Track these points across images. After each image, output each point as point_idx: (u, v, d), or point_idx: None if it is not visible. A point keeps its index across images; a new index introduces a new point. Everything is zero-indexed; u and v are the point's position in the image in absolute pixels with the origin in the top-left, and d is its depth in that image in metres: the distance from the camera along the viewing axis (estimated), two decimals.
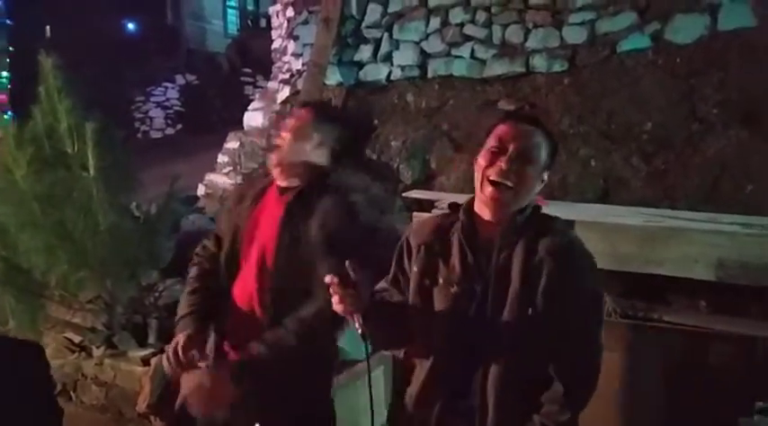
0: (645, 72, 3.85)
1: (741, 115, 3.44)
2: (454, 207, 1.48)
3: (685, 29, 3.75)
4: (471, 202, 1.45)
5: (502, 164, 1.34)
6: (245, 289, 1.71)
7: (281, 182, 1.75)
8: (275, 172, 1.76)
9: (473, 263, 1.38)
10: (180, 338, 1.63)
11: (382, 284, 1.58)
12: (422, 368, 1.44)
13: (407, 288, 1.48)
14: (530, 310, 1.32)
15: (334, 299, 1.35)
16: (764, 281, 2.52)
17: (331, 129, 1.76)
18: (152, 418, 3.21)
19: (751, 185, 3.24)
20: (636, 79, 3.87)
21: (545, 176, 1.42)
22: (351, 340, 3.24)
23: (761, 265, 2.47)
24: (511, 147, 1.35)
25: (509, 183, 1.34)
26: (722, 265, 2.53)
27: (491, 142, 1.39)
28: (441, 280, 1.40)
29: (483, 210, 1.41)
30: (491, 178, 1.35)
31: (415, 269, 1.46)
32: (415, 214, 3.32)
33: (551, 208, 1.53)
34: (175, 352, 1.61)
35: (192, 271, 1.79)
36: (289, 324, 1.58)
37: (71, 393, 3.50)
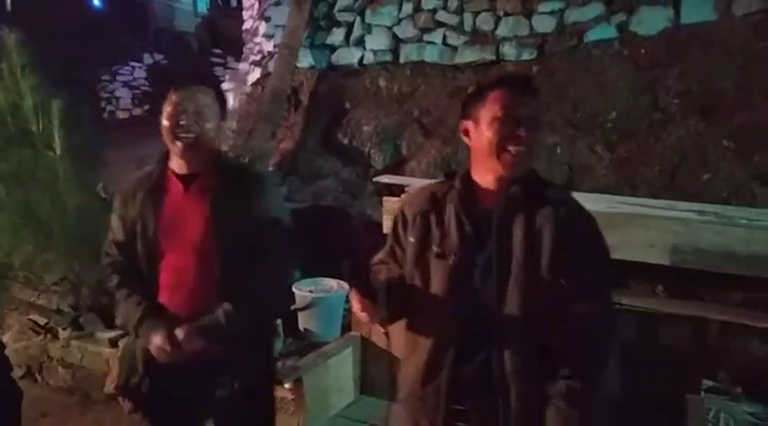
0: (610, 62, 3.94)
1: (700, 106, 3.55)
2: (450, 175, 1.49)
3: (649, 21, 3.84)
4: (468, 171, 1.46)
5: (521, 133, 1.35)
6: (180, 266, 1.80)
7: (183, 171, 1.82)
8: (180, 163, 1.81)
9: (472, 233, 1.38)
10: (160, 338, 1.74)
11: (379, 256, 1.58)
12: (421, 341, 1.42)
13: (405, 261, 1.47)
14: (535, 277, 1.31)
15: (356, 307, 1.38)
16: (716, 266, 2.64)
17: (214, 102, 1.84)
18: (120, 399, 3.21)
19: (707, 174, 3.36)
20: (602, 69, 3.95)
21: None
22: (320, 322, 3.28)
23: (713, 251, 2.59)
24: (523, 116, 1.36)
25: (525, 149, 1.36)
26: (677, 250, 2.64)
27: (494, 110, 1.37)
28: (438, 250, 1.39)
29: (487, 178, 1.40)
30: (511, 148, 1.35)
31: (411, 239, 1.45)
32: (385, 198, 3.35)
33: None
34: (169, 349, 1.72)
35: (115, 277, 1.92)
36: (244, 298, 1.73)
37: (37, 375, 3.48)
